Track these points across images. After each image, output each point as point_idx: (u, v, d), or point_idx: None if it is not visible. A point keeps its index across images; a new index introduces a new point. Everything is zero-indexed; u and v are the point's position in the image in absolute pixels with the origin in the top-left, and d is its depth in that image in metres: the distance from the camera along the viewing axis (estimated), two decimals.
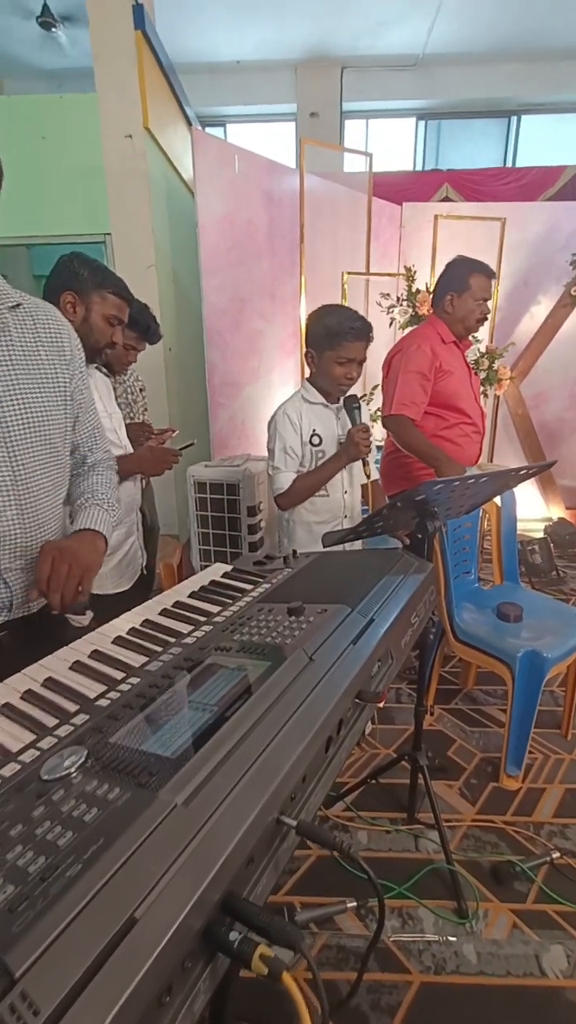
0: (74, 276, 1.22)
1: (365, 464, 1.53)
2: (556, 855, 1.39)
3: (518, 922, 1.26)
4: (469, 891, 1.33)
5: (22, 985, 0.30)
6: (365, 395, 3.12)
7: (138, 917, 0.35)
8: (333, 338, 1.49)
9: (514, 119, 5.90)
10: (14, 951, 0.32)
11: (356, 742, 0.62)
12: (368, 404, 3.03)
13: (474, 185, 4.69)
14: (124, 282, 1.30)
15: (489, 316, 1.96)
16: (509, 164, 5.92)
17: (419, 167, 6.01)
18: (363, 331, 1.50)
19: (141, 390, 2.14)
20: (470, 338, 1.94)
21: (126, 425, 1.54)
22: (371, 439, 1.53)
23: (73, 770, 0.47)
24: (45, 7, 4.51)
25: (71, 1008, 0.29)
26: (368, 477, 1.56)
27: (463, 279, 1.87)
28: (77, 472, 1.03)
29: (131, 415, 2.06)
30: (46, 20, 4.60)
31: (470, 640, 1.72)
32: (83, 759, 0.49)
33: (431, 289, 2.22)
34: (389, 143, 6.03)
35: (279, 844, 0.45)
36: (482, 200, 4.28)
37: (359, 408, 1.53)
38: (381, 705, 0.61)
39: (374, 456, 1.72)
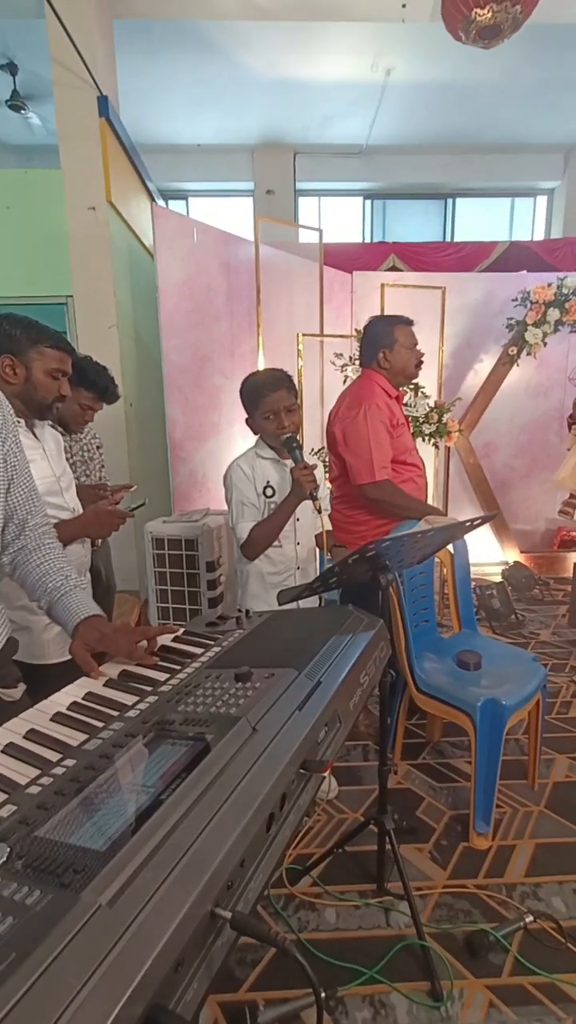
0: (8, 338, 1.23)
1: (315, 500, 1.51)
2: (530, 919, 1.34)
3: (494, 999, 1.19)
4: (443, 968, 1.25)
5: None
6: (314, 450, 3.19)
7: None
8: (254, 398, 1.55)
9: (450, 200, 6.56)
10: None
11: (304, 814, 0.60)
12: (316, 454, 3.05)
13: (417, 256, 5.13)
14: (60, 334, 1.31)
15: (424, 360, 2.04)
16: (448, 238, 6.52)
17: (367, 239, 6.54)
18: (278, 381, 1.54)
19: (98, 447, 2.14)
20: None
21: (79, 487, 1.52)
22: (314, 475, 1.51)
23: None
24: (15, 92, 4.81)
25: None
26: (320, 512, 1.54)
27: (389, 334, 1.94)
28: (23, 543, 0.99)
29: (87, 472, 2.05)
30: (15, 104, 4.89)
31: (431, 690, 1.71)
32: (4, 858, 0.45)
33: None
34: (340, 218, 6.57)
35: (213, 941, 0.43)
36: (425, 269, 4.66)
37: (299, 447, 1.54)
38: (326, 773, 0.60)
39: (323, 491, 1.72)
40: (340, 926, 1.37)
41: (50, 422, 1.43)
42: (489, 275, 4.44)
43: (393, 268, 5.06)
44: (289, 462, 1.56)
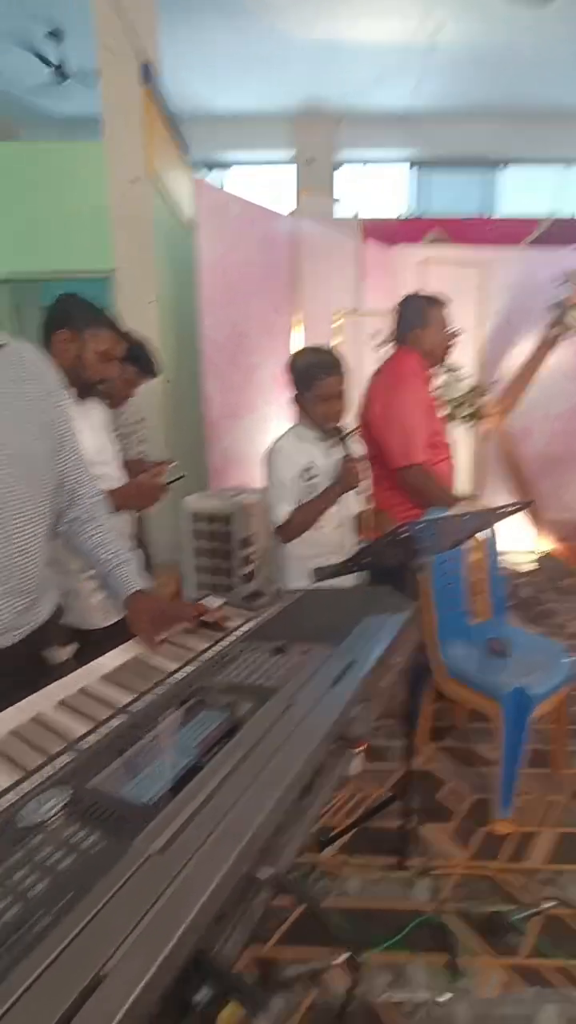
0: (68, 315, 1.27)
1: (360, 493, 1.54)
2: (549, 904, 1.35)
3: (511, 979, 1.22)
4: (461, 945, 1.28)
5: None
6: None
7: (105, 973, 0.35)
8: (307, 380, 1.52)
9: (495, 170, 6.25)
10: None
11: (336, 787, 0.62)
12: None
13: (459, 230, 4.90)
14: (116, 319, 1.34)
15: (456, 341, 2.01)
16: (492, 211, 6.22)
17: (408, 211, 6.30)
18: (333, 366, 1.51)
19: (138, 422, 2.18)
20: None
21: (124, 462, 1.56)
22: (363, 467, 1.53)
23: (51, 815, 0.48)
24: (60, 61, 4.78)
25: None
26: (368, 504, 1.56)
27: (423, 314, 1.91)
28: (76, 514, 1.03)
29: (127, 447, 2.09)
30: (59, 73, 4.87)
31: (458, 676, 1.71)
32: (62, 804, 0.49)
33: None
34: (381, 188, 6.34)
35: (252, 897, 0.45)
36: (467, 244, 4.47)
37: (349, 436, 1.54)
38: (357, 751, 0.61)
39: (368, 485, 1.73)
40: (361, 895, 1.41)
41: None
42: (533, 251, 4.22)
43: (435, 241, 4.88)
44: (331, 443, 1.56)
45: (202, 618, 0.91)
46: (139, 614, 0.91)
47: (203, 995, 0.36)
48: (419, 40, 4.40)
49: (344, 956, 1.20)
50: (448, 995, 1.17)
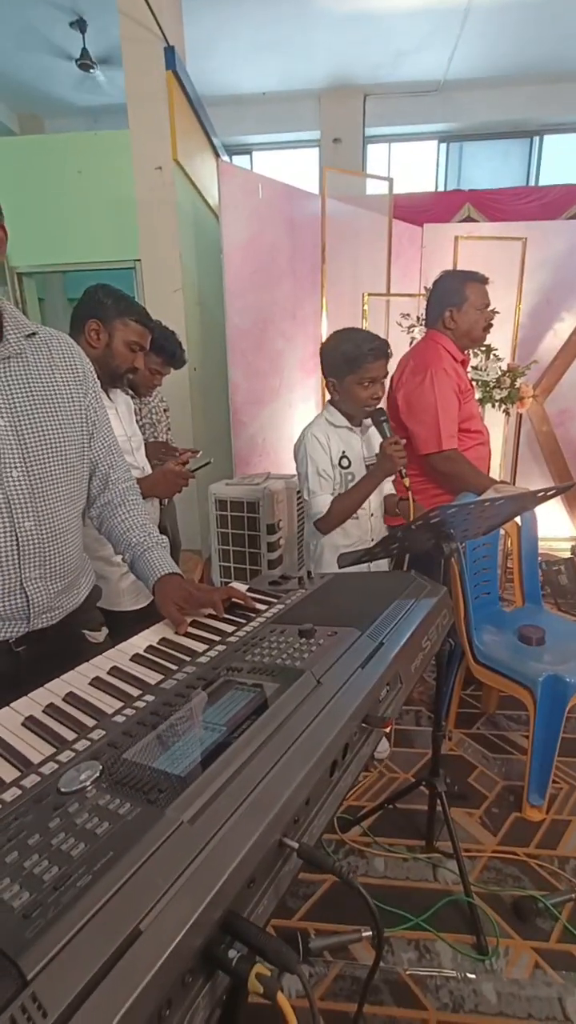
0: (99, 305, 1.29)
1: (403, 477, 1.50)
2: None
3: (540, 962, 1.22)
4: (489, 926, 1.29)
5: (33, 987, 0.32)
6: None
7: (142, 929, 0.36)
8: (353, 363, 1.48)
9: (536, 139, 5.94)
10: (27, 955, 0.34)
11: (363, 766, 0.63)
12: None
13: (496, 204, 4.71)
14: (146, 311, 1.35)
15: (493, 323, 1.92)
16: (532, 183, 5.93)
17: (441, 188, 6.08)
18: (382, 350, 1.50)
19: (165, 411, 2.21)
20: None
21: (147, 444, 1.58)
22: (404, 451, 1.50)
23: (88, 784, 0.50)
24: (84, 50, 4.79)
25: (77, 1012, 0.31)
26: (408, 489, 1.51)
27: (459, 291, 1.82)
28: (108, 498, 1.05)
29: (155, 435, 2.12)
30: (84, 62, 4.88)
31: (490, 663, 1.69)
32: (98, 774, 0.51)
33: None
34: (411, 165, 6.13)
35: (281, 866, 0.46)
36: (504, 219, 4.29)
37: (387, 421, 1.51)
38: (387, 730, 0.62)
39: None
40: (388, 875, 1.43)
41: (121, 387, 1.49)
42: (574, 224, 4.03)
43: (468, 219, 4.70)
44: (364, 428, 1.55)
45: (232, 600, 0.93)
46: (168, 597, 0.93)
47: (234, 954, 0.38)
48: (456, 2, 4.18)
49: (370, 931, 1.22)
50: (473, 975, 1.18)
